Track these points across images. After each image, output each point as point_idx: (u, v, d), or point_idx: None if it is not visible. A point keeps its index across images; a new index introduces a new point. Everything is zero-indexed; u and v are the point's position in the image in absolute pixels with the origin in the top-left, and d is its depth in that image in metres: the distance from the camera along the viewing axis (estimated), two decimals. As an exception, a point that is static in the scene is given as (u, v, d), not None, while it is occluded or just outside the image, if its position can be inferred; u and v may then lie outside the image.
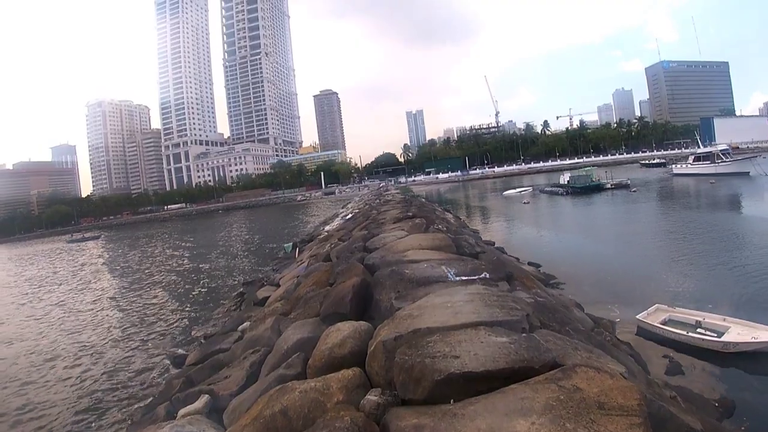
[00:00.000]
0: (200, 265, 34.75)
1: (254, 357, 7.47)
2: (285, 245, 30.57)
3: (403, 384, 3.96)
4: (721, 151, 63.23)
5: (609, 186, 55.81)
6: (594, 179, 57.32)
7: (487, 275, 7.30)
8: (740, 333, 10.21)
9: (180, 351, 13.33)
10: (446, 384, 3.67)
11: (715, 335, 10.36)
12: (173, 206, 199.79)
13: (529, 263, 18.11)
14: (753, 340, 9.79)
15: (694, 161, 66.48)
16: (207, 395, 6.55)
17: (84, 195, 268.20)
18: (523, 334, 4.33)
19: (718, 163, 61.12)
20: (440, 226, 14.13)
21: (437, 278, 7.24)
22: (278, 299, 12.10)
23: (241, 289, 21.09)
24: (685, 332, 10.65)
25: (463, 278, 7.15)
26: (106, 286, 31.55)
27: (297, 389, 4.49)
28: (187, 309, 20.58)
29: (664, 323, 11.37)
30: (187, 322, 17.98)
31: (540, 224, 34.93)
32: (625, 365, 4.88)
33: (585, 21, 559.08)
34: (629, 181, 57.24)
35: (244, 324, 11.16)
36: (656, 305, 12.17)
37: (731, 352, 9.86)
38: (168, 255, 46.71)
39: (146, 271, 36.39)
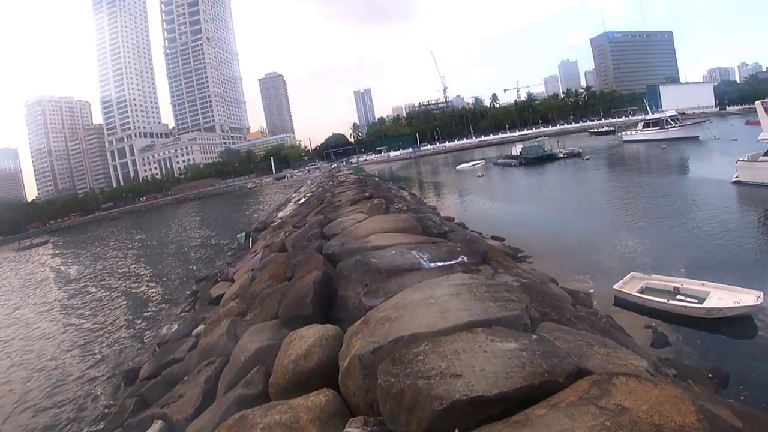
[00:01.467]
0: (152, 264, 33.30)
1: (209, 370, 6.67)
2: (238, 236, 29.27)
3: (392, 414, 3.11)
4: (670, 116, 64.59)
5: (561, 155, 56.27)
6: (546, 149, 57.64)
7: (465, 259, 6.47)
8: (722, 298, 9.95)
9: (133, 363, 12.49)
10: (449, 413, 2.83)
11: (696, 301, 10.09)
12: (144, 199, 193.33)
13: (493, 237, 17.60)
14: (736, 304, 9.53)
15: (643, 128, 67.77)
16: (160, 421, 5.99)
17: (29, 199, 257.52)
18: (533, 336, 3.48)
19: (667, 128, 62.39)
20: (401, 206, 13.22)
21: (410, 266, 6.37)
22: (233, 297, 11.08)
23: (195, 287, 19.94)
24: (665, 300, 10.36)
25: (439, 264, 6.30)
26: (54, 295, 29.63)
27: (259, 424, 3.57)
28: (139, 313, 19.26)
29: (642, 291, 11.09)
30: (141, 328, 16.82)
31: (497, 197, 34.64)
32: (637, 352, 4.16)
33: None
34: (581, 150, 57.71)
35: (199, 327, 10.29)
36: (631, 273, 11.85)
37: (715, 317, 9.56)
38: (117, 256, 44.54)
39: (96, 275, 34.46)
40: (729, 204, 20.75)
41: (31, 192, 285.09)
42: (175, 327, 14.35)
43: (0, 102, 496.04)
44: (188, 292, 19.53)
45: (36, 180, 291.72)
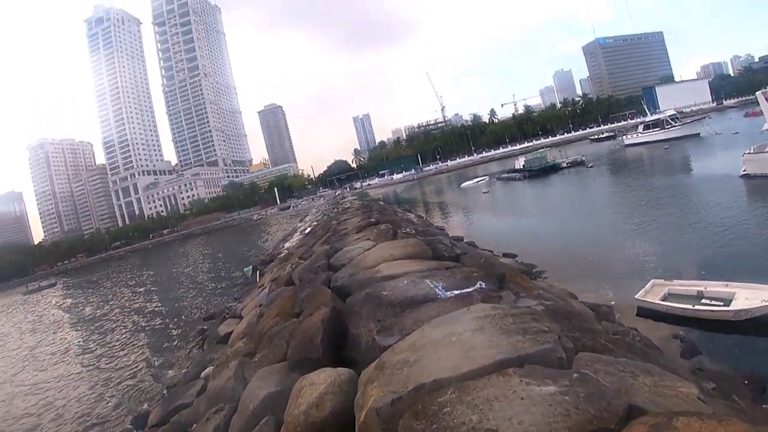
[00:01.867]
0: (160, 302, 32.93)
1: (218, 418, 6.30)
2: (245, 269, 28.90)
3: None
4: (669, 116, 64.33)
5: (565, 165, 55.87)
6: (549, 160, 57.35)
7: (483, 284, 6.06)
8: (748, 298, 9.48)
9: (142, 408, 12.20)
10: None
11: (722, 304, 9.62)
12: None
13: (505, 255, 17.15)
14: (764, 303, 9.03)
15: (644, 130, 67.39)
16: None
17: (36, 242, 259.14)
18: (573, 374, 3.06)
19: (667, 128, 62.07)
20: (408, 229, 12.81)
21: (424, 297, 5.94)
22: (240, 336, 10.70)
23: (203, 326, 19.51)
24: (690, 305, 9.90)
25: (456, 293, 5.88)
26: (63, 338, 29.25)
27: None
28: (148, 354, 18.86)
29: (665, 298, 10.62)
30: (150, 370, 16.37)
31: (504, 212, 34.19)
32: (682, 376, 3.75)
33: (520, 8, 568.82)
34: (584, 158, 57.39)
35: (207, 369, 9.92)
36: (652, 281, 11.40)
37: (744, 319, 9.10)
38: (125, 295, 44.17)
39: (104, 315, 34.04)
40: (739, 198, 20.42)
41: (38, 234, 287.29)
42: (185, 368, 14.02)
43: (3, 145, 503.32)
44: (196, 331, 19.12)
45: (42, 222, 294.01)
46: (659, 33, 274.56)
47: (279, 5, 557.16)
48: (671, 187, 27.43)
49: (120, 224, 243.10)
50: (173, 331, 22.27)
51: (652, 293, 10.92)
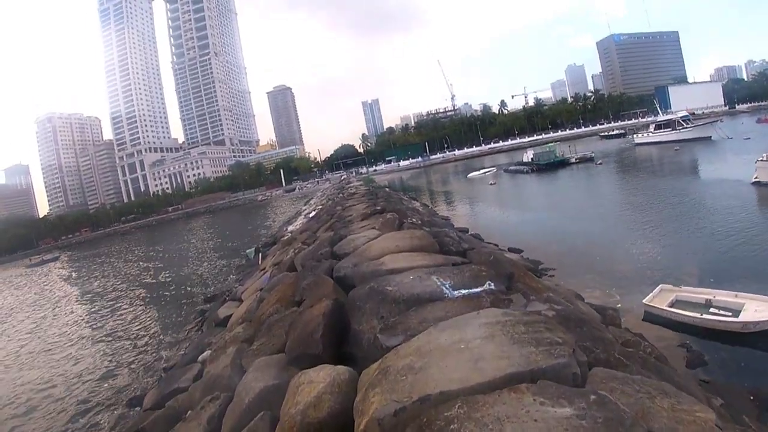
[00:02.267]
0: (161, 281, 32.89)
1: (213, 407, 6.13)
2: (247, 251, 28.75)
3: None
4: (681, 117, 63.74)
5: (574, 160, 55.42)
6: (558, 155, 56.99)
7: (492, 285, 5.85)
8: (757, 310, 9.30)
9: (138, 388, 12.22)
10: None
11: (731, 314, 9.46)
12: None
13: (510, 249, 16.90)
14: None
15: (655, 129, 66.84)
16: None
17: (41, 215, 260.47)
18: (591, 396, 2.85)
19: (679, 129, 61.50)
20: (414, 220, 12.59)
21: (430, 295, 5.75)
22: (240, 321, 10.55)
23: (204, 306, 19.44)
24: (698, 314, 9.71)
25: (464, 293, 5.68)
26: (64, 314, 29.22)
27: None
28: (148, 334, 18.79)
29: (672, 305, 10.44)
30: (148, 350, 16.32)
31: (510, 205, 33.88)
32: (697, 396, 3.57)
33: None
34: (593, 154, 56.91)
35: (205, 353, 9.81)
36: (660, 286, 11.20)
37: (752, 332, 8.96)
38: (127, 272, 44.19)
39: (105, 292, 34.10)
40: (751, 206, 20.05)
41: (43, 208, 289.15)
42: (183, 350, 13.94)
43: (12, 119, 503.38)
44: (196, 312, 19.04)
45: (47, 196, 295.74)
46: (674, 32, 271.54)
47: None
48: (681, 189, 27.12)
49: (125, 200, 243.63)
50: (173, 310, 22.15)
51: (660, 298, 10.75)
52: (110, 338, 19.42)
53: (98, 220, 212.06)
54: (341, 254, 9.79)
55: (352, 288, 7.10)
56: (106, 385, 13.65)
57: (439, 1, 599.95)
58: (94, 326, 22.90)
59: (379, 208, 17.49)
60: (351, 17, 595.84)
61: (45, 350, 20.04)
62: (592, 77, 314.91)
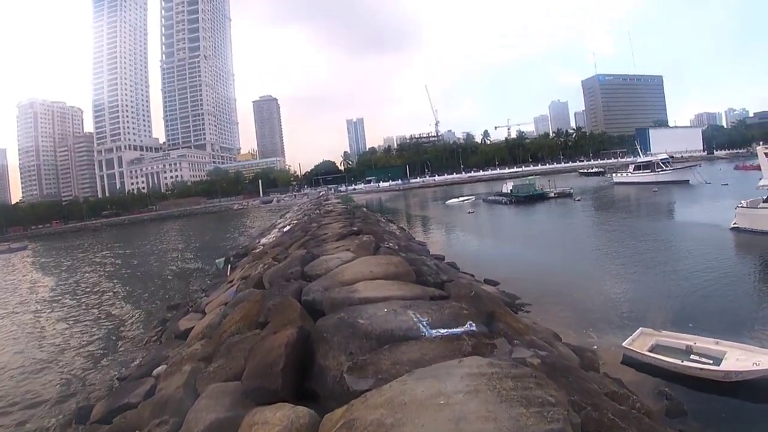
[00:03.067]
0: (127, 282, 31.93)
1: (161, 432, 5.57)
2: (217, 260, 27.89)
3: None
4: (661, 160, 64.76)
5: (552, 195, 55.60)
6: (537, 188, 57.11)
7: (473, 326, 5.38)
8: (738, 359, 9.06)
9: (88, 396, 11.38)
10: None
11: (712, 362, 9.17)
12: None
13: (486, 281, 16.50)
14: (755, 367, 8.60)
15: (634, 170, 67.80)
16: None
17: (13, 202, 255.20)
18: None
19: (658, 171, 62.38)
20: (391, 244, 12.08)
21: (406, 332, 5.26)
22: (199, 336, 9.96)
23: (166, 315, 18.62)
24: (678, 360, 9.40)
25: (443, 332, 5.19)
26: (18, 309, 27.97)
27: None
28: (106, 338, 17.78)
29: (652, 349, 10.10)
30: (104, 356, 15.30)
31: (487, 234, 33.83)
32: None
33: (524, 34, 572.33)
34: (572, 190, 57.33)
35: (160, 368, 9.21)
36: (640, 329, 10.89)
37: (733, 381, 8.67)
38: (94, 270, 42.72)
39: (67, 289, 32.79)
40: (729, 251, 20.16)
41: (16, 195, 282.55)
42: (139, 359, 13.21)
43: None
44: (158, 320, 18.22)
45: (21, 182, 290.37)
46: (659, 77, 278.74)
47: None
48: (659, 231, 27.23)
49: (100, 195, 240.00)
50: (135, 315, 21.32)
51: (640, 342, 10.42)
52: (65, 340, 18.39)
53: (71, 213, 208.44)
54: (312, 275, 9.26)
55: (320, 314, 6.61)
56: (53, 390, 12.75)
57: (432, 28, 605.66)
58: (50, 325, 21.77)
59: (355, 228, 16.91)
60: (343, 35, 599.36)
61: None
62: (574, 114, 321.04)
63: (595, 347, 10.42)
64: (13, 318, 25.09)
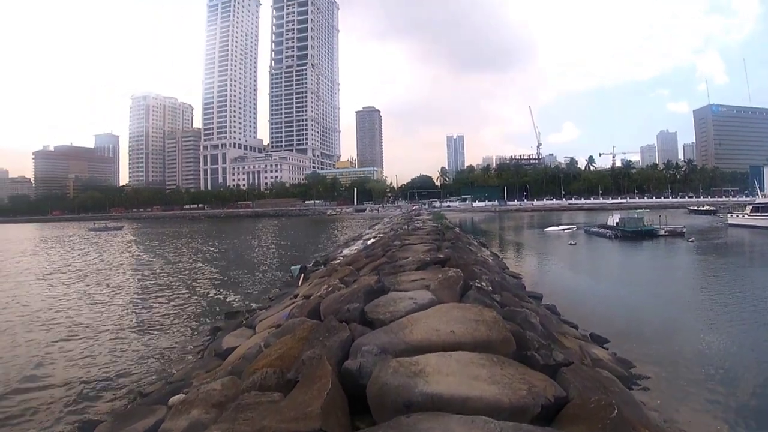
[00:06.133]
0: (204, 276, 31.87)
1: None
2: (292, 267, 26.38)
3: None
4: None
5: (662, 233, 50.19)
6: (646, 223, 51.95)
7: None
8: None
9: (98, 412, 10.10)
10: None
11: None
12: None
13: (593, 336, 13.45)
14: None
15: (752, 212, 60.29)
16: None
17: (120, 185, 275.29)
18: None
19: None
20: (484, 284, 9.49)
21: None
22: (231, 365, 8.06)
23: (221, 322, 17.13)
24: None
25: None
26: (84, 286, 28.48)
27: None
28: (155, 337, 16.53)
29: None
30: (142, 361, 13.83)
31: (591, 273, 29.84)
32: None
33: (634, 58, 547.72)
34: (684, 229, 51.74)
35: (177, 397, 7.34)
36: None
37: None
38: (178, 259, 43.24)
39: (145, 275, 33.02)
40: None
41: (124, 179, 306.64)
42: (174, 371, 11.96)
43: (109, 91, 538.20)
44: (211, 328, 16.72)
45: (129, 168, 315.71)
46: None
47: (392, 14, 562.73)
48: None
49: (201, 188, 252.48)
50: (197, 314, 20.38)
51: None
52: (110, 329, 17.69)
53: (171, 200, 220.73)
54: (373, 319, 6.95)
55: (362, 395, 4.34)
56: (72, 391, 11.46)
57: (539, 47, 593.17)
58: (102, 309, 21.47)
59: (441, 256, 14.34)
60: (446, 51, 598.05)
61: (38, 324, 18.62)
62: (683, 146, 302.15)
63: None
64: (71, 294, 25.48)
